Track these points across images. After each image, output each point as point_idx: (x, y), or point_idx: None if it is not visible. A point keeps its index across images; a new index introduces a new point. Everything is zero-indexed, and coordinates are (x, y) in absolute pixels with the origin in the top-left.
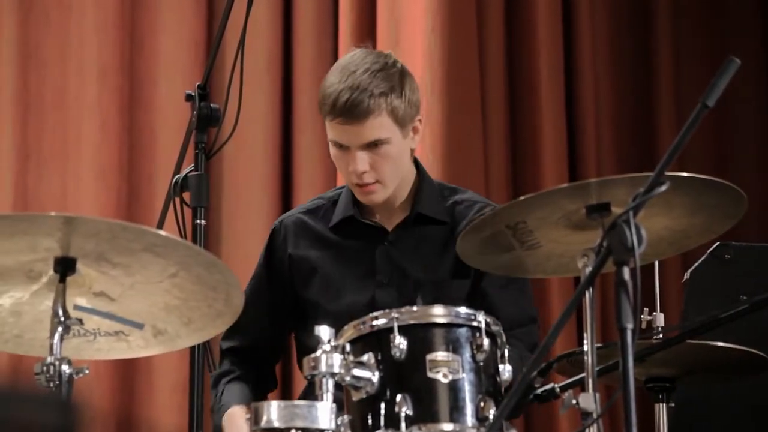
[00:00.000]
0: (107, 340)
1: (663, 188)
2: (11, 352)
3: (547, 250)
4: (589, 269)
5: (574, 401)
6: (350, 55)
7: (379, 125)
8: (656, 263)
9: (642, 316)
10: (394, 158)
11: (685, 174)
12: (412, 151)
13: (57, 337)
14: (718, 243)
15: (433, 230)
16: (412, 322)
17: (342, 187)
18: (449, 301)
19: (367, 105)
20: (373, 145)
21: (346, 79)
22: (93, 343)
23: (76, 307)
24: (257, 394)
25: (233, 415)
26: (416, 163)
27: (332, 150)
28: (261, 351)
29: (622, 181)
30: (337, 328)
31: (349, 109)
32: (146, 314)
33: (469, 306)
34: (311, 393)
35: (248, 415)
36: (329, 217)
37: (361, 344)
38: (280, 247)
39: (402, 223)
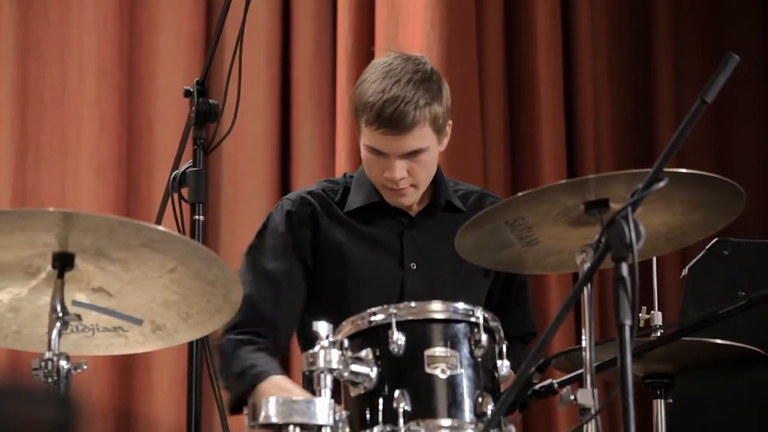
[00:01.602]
0: (106, 336)
1: (661, 184)
2: (10, 348)
3: (545, 246)
4: (587, 265)
5: (572, 397)
6: (386, 62)
7: (421, 136)
8: (654, 260)
9: (640, 315)
10: (430, 164)
11: (683, 170)
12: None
13: (55, 332)
14: (716, 239)
15: (452, 217)
16: (410, 317)
17: (349, 175)
18: (474, 293)
19: (412, 117)
20: (412, 154)
21: (390, 89)
22: (91, 339)
23: (75, 303)
24: None
25: (279, 384)
26: None
27: (367, 154)
28: (278, 329)
29: (620, 177)
30: (358, 310)
31: (395, 121)
32: (145, 310)
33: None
34: (307, 388)
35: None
36: (344, 202)
37: (359, 340)
38: (305, 223)
39: (427, 208)
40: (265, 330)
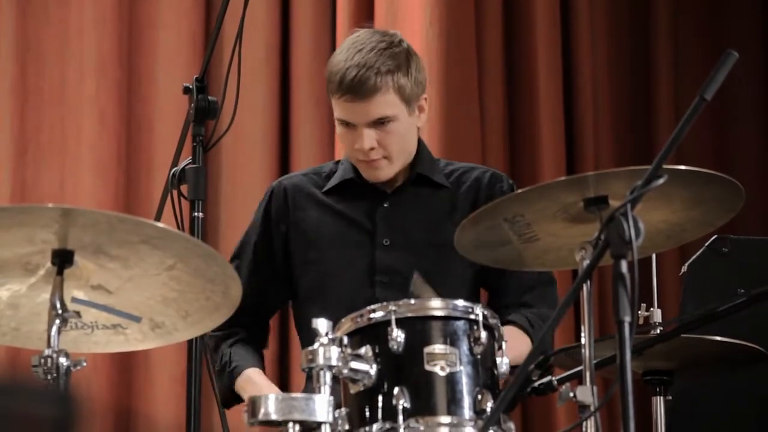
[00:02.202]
0: (105, 334)
1: (661, 181)
2: (9, 345)
3: (544, 243)
4: (586, 262)
5: (571, 394)
6: (356, 35)
7: (386, 102)
8: (654, 257)
9: (640, 312)
10: (401, 135)
11: (683, 167)
12: (419, 129)
13: (54, 329)
14: (715, 236)
15: (433, 193)
16: (409, 314)
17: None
18: (453, 267)
19: (374, 82)
20: (379, 123)
21: (353, 57)
22: (90, 336)
23: (74, 300)
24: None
25: (251, 378)
26: None
27: (338, 128)
28: (255, 309)
29: (620, 174)
30: (336, 292)
31: (356, 86)
32: (144, 307)
33: (477, 276)
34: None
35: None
36: (327, 182)
37: (358, 337)
38: (280, 207)
39: (402, 185)
40: (245, 320)
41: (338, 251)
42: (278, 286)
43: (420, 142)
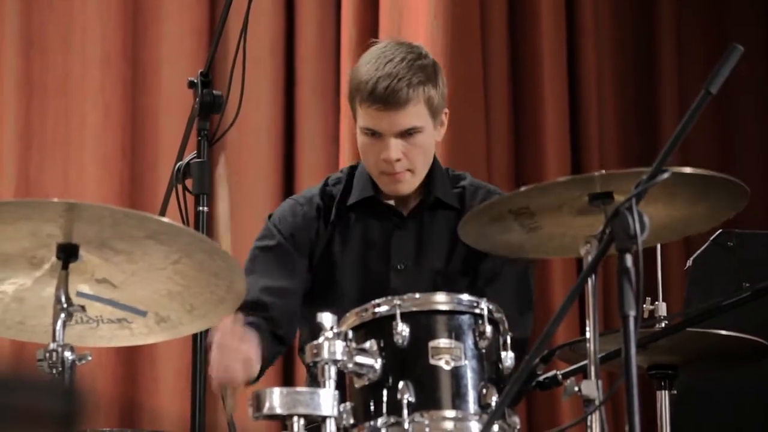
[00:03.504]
0: (110, 328)
1: (665, 175)
2: (14, 339)
3: (548, 232)
4: (591, 257)
5: (576, 388)
6: (381, 46)
7: (416, 113)
8: (659, 251)
9: (644, 306)
10: (425, 148)
11: (687, 170)
12: (436, 143)
13: (60, 323)
14: (720, 230)
15: (445, 216)
16: (414, 309)
17: (353, 166)
18: (465, 289)
19: (406, 93)
20: (407, 134)
21: (384, 67)
22: (96, 331)
23: (79, 294)
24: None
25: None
26: None
27: (362, 138)
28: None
29: (626, 175)
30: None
31: (389, 96)
32: (149, 301)
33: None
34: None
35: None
36: (346, 194)
37: (363, 331)
38: (305, 228)
39: (418, 207)
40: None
41: (354, 272)
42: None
43: (434, 157)
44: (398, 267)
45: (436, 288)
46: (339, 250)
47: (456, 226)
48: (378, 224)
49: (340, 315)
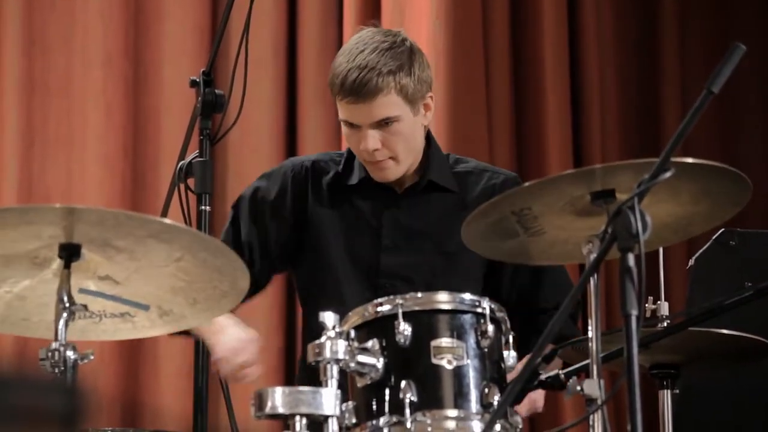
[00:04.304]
0: (113, 321)
1: (668, 174)
2: (19, 335)
3: (551, 237)
4: (593, 256)
5: (578, 388)
6: (358, 35)
7: (388, 103)
8: (661, 250)
9: (647, 305)
10: (405, 135)
11: (690, 160)
12: (425, 127)
13: (62, 322)
14: (723, 230)
15: (442, 198)
16: (416, 308)
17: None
18: (461, 271)
19: (375, 83)
20: (383, 123)
21: (354, 59)
22: (99, 325)
23: (82, 291)
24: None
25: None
26: (427, 134)
27: (344, 129)
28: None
29: (627, 167)
30: (338, 290)
31: (357, 88)
32: (152, 296)
33: (488, 282)
34: (306, 378)
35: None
36: (347, 173)
37: (365, 330)
38: (301, 187)
39: (411, 188)
40: None
41: (343, 247)
42: (278, 247)
43: (432, 141)
44: (388, 245)
45: (425, 267)
46: (330, 226)
47: (457, 210)
48: (371, 203)
49: (332, 301)
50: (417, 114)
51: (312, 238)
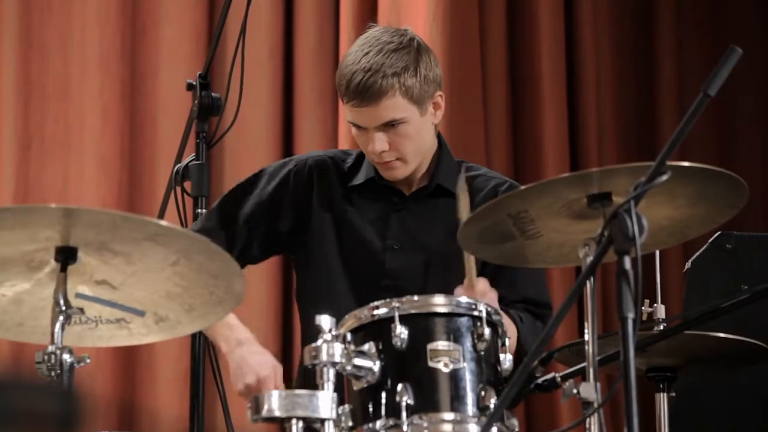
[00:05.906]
0: (109, 328)
1: (664, 177)
2: (13, 340)
3: (547, 240)
4: (590, 259)
5: (575, 391)
6: (365, 35)
7: (393, 105)
8: (657, 253)
9: (643, 308)
10: (413, 136)
11: (686, 163)
12: (436, 126)
13: (58, 326)
14: (719, 233)
15: (449, 203)
16: (413, 311)
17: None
18: (461, 274)
19: (379, 86)
20: (390, 125)
21: (360, 61)
22: (95, 331)
23: (78, 295)
24: None
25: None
26: (438, 137)
27: (352, 130)
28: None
29: (623, 170)
30: (342, 291)
31: (362, 92)
32: (148, 302)
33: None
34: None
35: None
36: (353, 173)
37: (362, 333)
38: (303, 184)
39: (419, 191)
40: None
41: (348, 248)
42: (263, 247)
43: (443, 144)
44: (393, 246)
45: (428, 270)
46: (333, 226)
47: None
48: (378, 204)
49: (335, 302)
50: (425, 114)
51: (313, 237)
